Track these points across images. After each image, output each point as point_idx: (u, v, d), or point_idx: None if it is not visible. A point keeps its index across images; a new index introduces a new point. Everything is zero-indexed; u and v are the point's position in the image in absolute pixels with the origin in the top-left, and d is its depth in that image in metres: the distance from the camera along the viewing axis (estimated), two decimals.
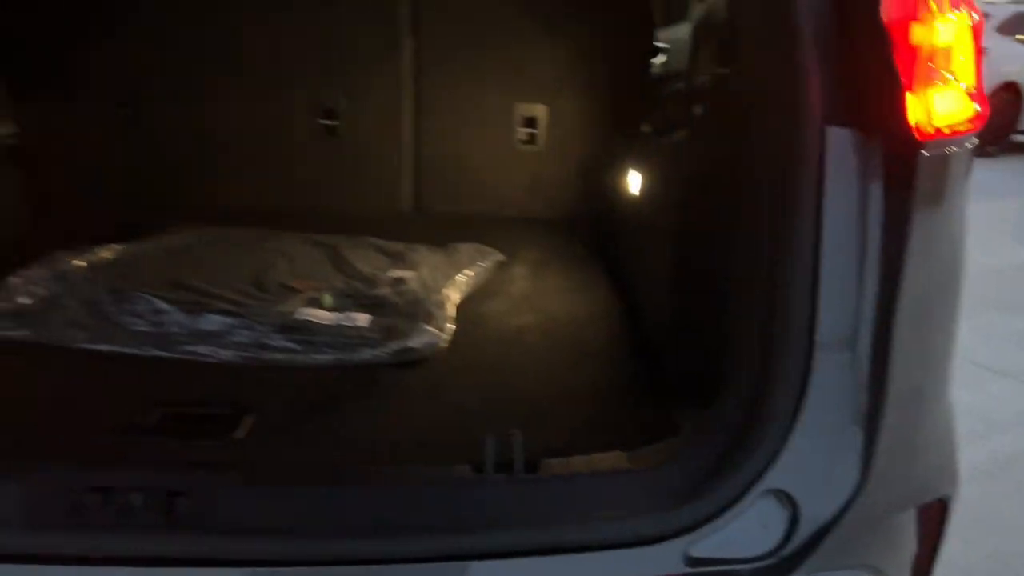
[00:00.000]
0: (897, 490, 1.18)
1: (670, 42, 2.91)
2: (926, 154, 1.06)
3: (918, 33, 1.05)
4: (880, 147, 1.09)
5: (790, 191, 1.12)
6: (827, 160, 1.10)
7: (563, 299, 2.02)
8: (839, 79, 1.11)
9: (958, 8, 1.12)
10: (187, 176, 2.45)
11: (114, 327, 1.67)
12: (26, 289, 1.78)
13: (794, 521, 1.11)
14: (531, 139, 2.50)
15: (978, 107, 1.13)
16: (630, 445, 1.23)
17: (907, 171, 1.07)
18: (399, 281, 1.96)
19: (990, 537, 2.38)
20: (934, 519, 1.26)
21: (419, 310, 1.80)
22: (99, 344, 1.62)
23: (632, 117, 2.47)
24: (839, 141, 1.10)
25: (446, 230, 2.33)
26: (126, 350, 1.60)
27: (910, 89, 1.05)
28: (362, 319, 1.75)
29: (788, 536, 1.11)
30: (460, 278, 2.02)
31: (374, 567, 1.07)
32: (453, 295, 1.93)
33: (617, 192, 2.31)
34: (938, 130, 1.06)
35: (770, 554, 1.11)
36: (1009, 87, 9.00)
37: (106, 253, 2.01)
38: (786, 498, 1.11)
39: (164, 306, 1.72)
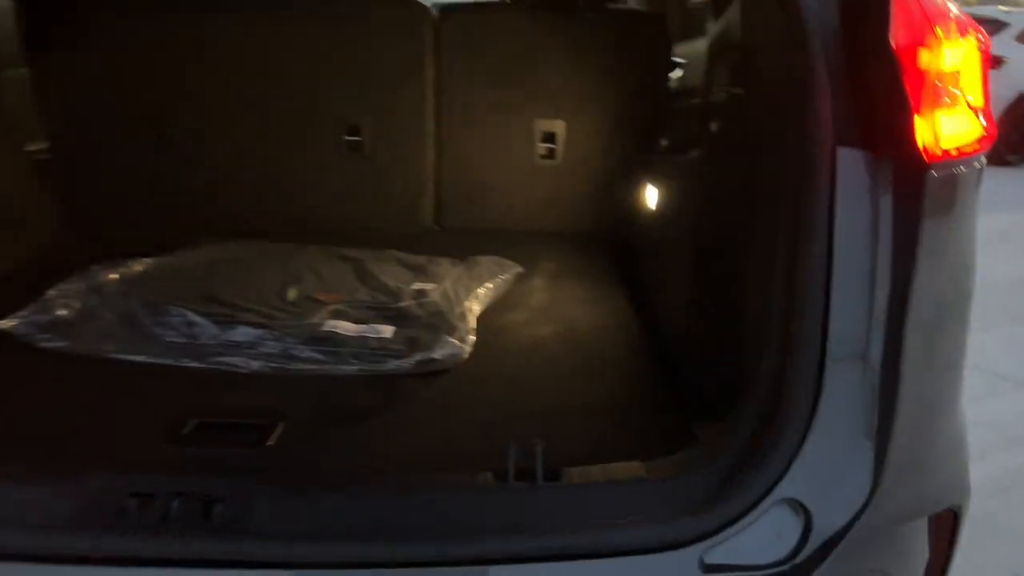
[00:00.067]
0: (908, 500, 1.21)
1: (687, 57, 2.96)
2: (934, 174, 1.10)
3: (925, 58, 1.09)
4: (890, 167, 1.13)
5: (803, 209, 1.16)
6: (839, 179, 1.14)
7: (582, 311, 2.06)
8: (850, 102, 1.15)
9: (966, 33, 1.16)
10: (216, 191, 2.51)
11: (148, 338, 1.73)
12: (63, 302, 1.84)
13: (807, 529, 1.14)
14: (550, 154, 2.55)
15: (985, 129, 1.17)
16: (648, 455, 1.27)
17: (916, 191, 1.10)
18: (422, 294, 2.01)
19: (1002, 547, 2.39)
20: (945, 529, 1.29)
21: (441, 322, 1.85)
22: (134, 355, 1.67)
23: (650, 132, 2.52)
24: (850, 161, 1.14)
25: (466, 243, 2.38)
26: (160, 361, 1.66)
27: (918, 112, 1.09)
28: (386, 331, 1.80)
29: (801, 544, 1.14)
30: (481, 290, 2.07)
31: (400, 570, 1.11)
32: (474, 307, 1.98)
33: (634, 206, 2.36)
34: (945, 152, 1.10)
35: (783, 561, 1.14)
36: None
37: (138, 267, 2.07)
38: (799, 507, 1.14)
39: (196, 318, 1.77)
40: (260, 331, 1.73)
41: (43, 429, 1.41)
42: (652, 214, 2.20)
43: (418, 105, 2.47)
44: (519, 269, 2.26)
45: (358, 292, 2.02)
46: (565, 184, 2.58)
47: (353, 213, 2.55)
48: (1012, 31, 8.88)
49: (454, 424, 1.51)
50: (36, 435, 1.39)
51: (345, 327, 1.79)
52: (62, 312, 1.81)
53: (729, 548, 1.13)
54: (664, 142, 2.49)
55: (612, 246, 2.48)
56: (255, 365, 1.64)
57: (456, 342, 1.75)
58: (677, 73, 2.91)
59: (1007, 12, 9.71)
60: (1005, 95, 8.36)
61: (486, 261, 2.26)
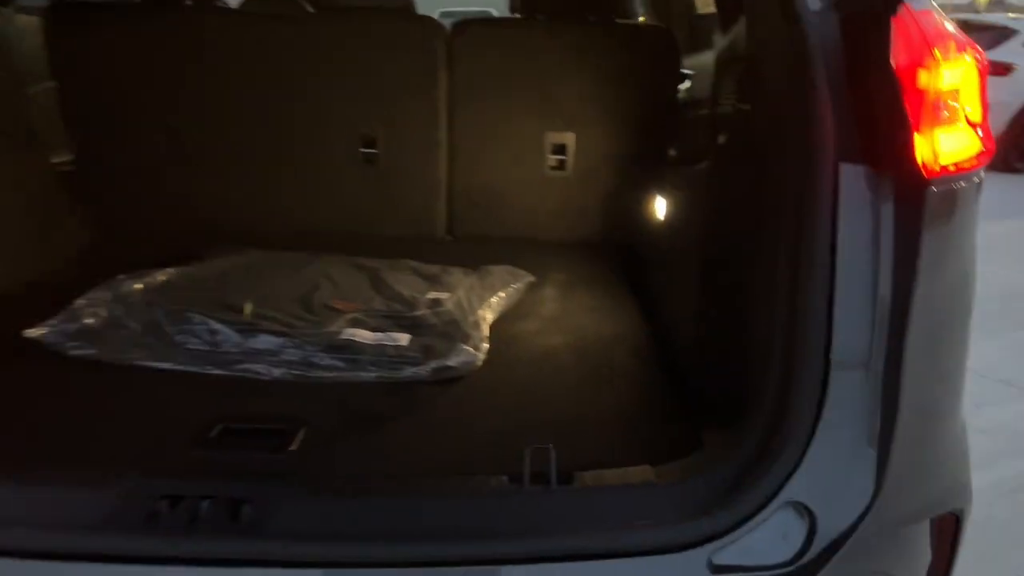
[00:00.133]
0: (910, 503, 1.25)
1: (695, 68, 3.01)
2: (934, 190, 1.14)
3: (924, 78, 1.14)
4: (891, 182, 1.18)
5: (807, 222, 1.21)
6: (841, 194, 1.19)
7: (592, 319, 2.11)
8: (852, 119, 1.20)
9: (963, 51, 1.21)
10: (234, 202, 2.58)
11: (173, 346, 1.79)
12: (91, 311, 1.90)
13: (812, 532, 1.18)
14: (560, 165, 2.60)
15: (984, 144, 1.22)
16: (658, 460, 1.32)
17: (916, 205, 1.15)
18: (436, 303, 2.06)
19: (1010, 552, 2.42)
20: (947, 531, 1.33)
21: (456, 330, 1.90)
22: (160, 362, 1.73)
23: (658, 143, 2.57)
24: (852, 176, 1.19)
25: (479, 253, 2.43)
26: (185, 368, 1.71)
27: (918, 130, 1.14)
28: (403, 339, 1.85)
29: (806, 545, 1.18)
30: (493, 299, 2.12)
31: (421, 569, 1.16)
32: (487, 316, 2.03)
33: (643, 216, 2.40)
34: (944, 168, 1.15)
35: (789, 562, 1.18)
36: None
37: (161, 276, 2.13)
38: (804, 510, 1.19)
39: (218, 327, 1.83)
40: (281, 339, 1.79)
41: (75, 434, 1.47)
42: (660, 225, 2.24)
43: (431, 117, 2.52)
44: (531, 278, 2.31)
45: (374, 301, 2.07)
46: (575, 195, 2.63)
47: (367, 223, 2.60)
48: (1021, 38, 8.89)
49: (469, 430, 1.55)
50: (68, 439, 1.44)
51: (363, 335, 1.84)
52: (89, 321, 1.87)
53: (737, 549, 1.17)
54: (672, 153, 2.54)
55: (621, 256, 2.52)
56: (277, 372, 1.70)
57: (471, 350, 1.80)
58: (685, 84, 2.95)
59: (1016, 19, 9.73)
60: (1013, 102, 8.37)
61: (498, 270, 2.31)
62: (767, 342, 1.26)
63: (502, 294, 2.16)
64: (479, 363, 1.78)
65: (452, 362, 1.75)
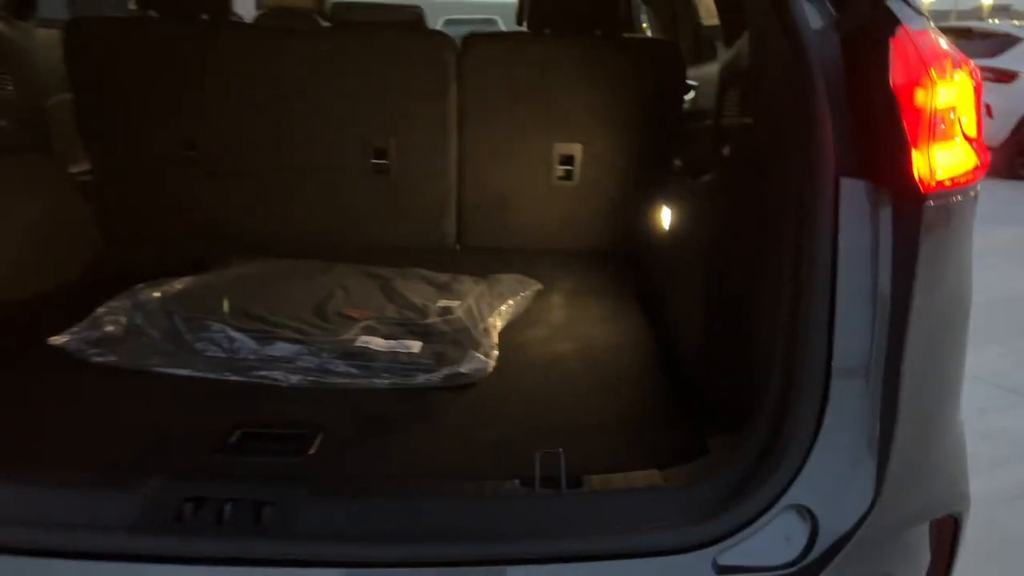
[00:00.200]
0: (910, 506, 1.29)
1: (700, 79, 3.05)
2: (930, 204, 1.19)
3: (921, 97, 1.18)
4: (890, 196, 1.22)
5: (809, 233, 1.26)
6: (841, 207, 1.23)
7: (599, 327, 2.15)
8: (852, 136, 1.24)
9: (959, 68, 1.25)
10: (248, 212, 2.63)
11: (192, 353, 1.84)
12: (112, 319, 1.95)
13: (814, 534, 1.22)
14: (567, 176, 2.64)
15: (979, 158, 1.26)
16: (664, 464, 1.37)
17: (913, 218, 1.19)
18: (447, 311, 2.10)
19: (1017, 556, 2.44)
20: (946, 534, 1.36)
21: (467, 338, 1.94)
22: (179, 369, 1.78)
23: (664, 155, 2.61)
24: (852, 190, 1.23)
25: (488, 261, 2.48)
26: (204, 375, 1.76)
27: (915, 146, 1.18)
28: (415, 346, 1.90)
29: (809, 547, 1.22)
30: (503, 307, 2.17)
31: (434, 569, 1.20)
32: (497, 323, 2.08)
33: (649, 226, 2.45)
34: (940, 183, 1.19)
35: (792, 564, 1.22)
36: None
37: (179, 284, 2.18)
38: (807, 512, 1.22)
39: (235, 334, 1.88)
40: (297, 346, 1.84)
41: (99, 438, 1.51)
42: (666, 234, 2.29)
43: (442, 129, 2.57)
44: (539, 286, 2.35)
45: (386, 309, 2.12)
46: (582, 205, 2.67)
47: (379, 232, 2.65)
48: None
49: (481, 435, 1.60)
50: (93, 444, 1.49)
51: (377, 343, 1.89)
52: (110, 328, 1.92)
53: (741, 551, 1.21)
54: (678, 163, 2.58)
55: (627, 265, 2.57)
56: (294, 379, 1.75)
57: (481, 357, 1.84)
58: (690, 95, 3.00)
59: (1020, 27, 9.75)
60: (1017, 109, 8.40)
61: (507, 279, 2.35)
62: (770, 350, 1.31)
63: (511, 302, 2.21)
64: (490, 369, 1.83)
65: (464, 369, 1.80)
